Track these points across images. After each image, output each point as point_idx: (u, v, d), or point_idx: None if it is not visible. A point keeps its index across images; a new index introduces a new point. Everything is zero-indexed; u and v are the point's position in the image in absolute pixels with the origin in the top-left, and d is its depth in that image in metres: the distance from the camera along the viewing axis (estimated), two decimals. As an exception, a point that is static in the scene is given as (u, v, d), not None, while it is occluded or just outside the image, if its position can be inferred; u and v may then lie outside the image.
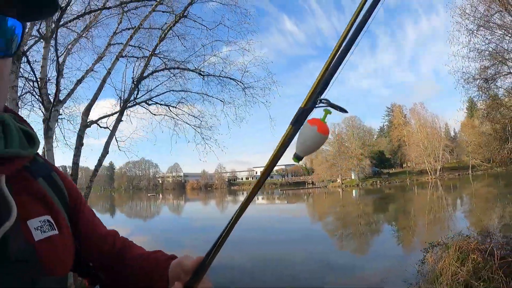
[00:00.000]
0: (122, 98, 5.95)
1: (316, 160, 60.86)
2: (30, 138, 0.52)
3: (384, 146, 63.85)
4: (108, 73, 6.03)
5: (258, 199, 47.75)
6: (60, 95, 5.90)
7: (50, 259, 0.48)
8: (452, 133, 61.67)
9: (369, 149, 56.19)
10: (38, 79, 4.49)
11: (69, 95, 6.08)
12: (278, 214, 24.58)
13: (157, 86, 7.07)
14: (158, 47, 6.56)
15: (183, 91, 7.48)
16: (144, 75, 6.36)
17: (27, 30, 4.29)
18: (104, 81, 5.95)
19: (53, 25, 4.39)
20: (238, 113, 8.02)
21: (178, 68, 7.07)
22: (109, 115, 5.98)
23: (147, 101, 6.61)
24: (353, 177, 57.44)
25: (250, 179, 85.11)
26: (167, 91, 7.25)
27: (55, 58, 5.05)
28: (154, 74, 6.78)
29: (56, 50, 4.92)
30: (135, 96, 6.22)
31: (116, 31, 6.93)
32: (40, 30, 4.76)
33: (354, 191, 46.79)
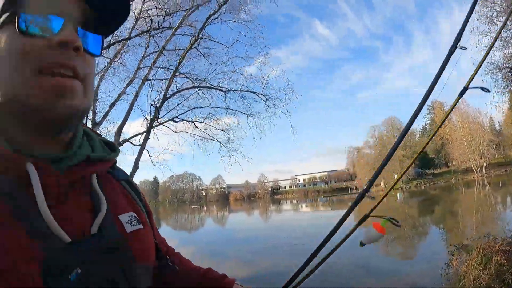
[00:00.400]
0: (148, 119, 6.32)
1: (358, 165, 58.78)
2: (109, 146, 0.60)
3: (427, 146, 60.12)
4: (136, 96, 6.47)
5: (302, 207, 47.13)
6: (96, 118, 6.42)
7: (139, 249, 0.54)
8: (498, 127, 57.24)
9: (411, 150, 53.19)
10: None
11: (104, 117, 6.63)
12: (325, 221, 24.03)
13: (180, 103, 7.43)
14: (181, 67, 6.91)
15: (208, 107, 7.76)
16: (167, 95, 6.70)
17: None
18: (132, 104, 6.38)
19: None
20: (261, 125, 8.20)
21: (199, 87, 7.38)
22: (137, 135, 6.39)
23: (174, 119, 6.94)
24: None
25: (293, 187, 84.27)
26: (193, 108, 7.60)
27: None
28: (180, 92, 7.15)
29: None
30: (157, 117, 6.57)
31: (144, 55, 7.41)
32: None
33: (398, 194, 44.73)
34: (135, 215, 0.58)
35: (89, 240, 0.47)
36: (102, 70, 7.02)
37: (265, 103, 8.34)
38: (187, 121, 7.40)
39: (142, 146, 6.20)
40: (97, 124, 6.54)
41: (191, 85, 7.60)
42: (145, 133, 6.25)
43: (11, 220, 0.41)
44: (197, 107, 7.62)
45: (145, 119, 6.42)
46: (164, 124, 6.82)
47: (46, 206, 0.43)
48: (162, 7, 7.13)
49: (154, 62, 6.63)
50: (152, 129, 6.44)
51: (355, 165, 62.77)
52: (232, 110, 8.06)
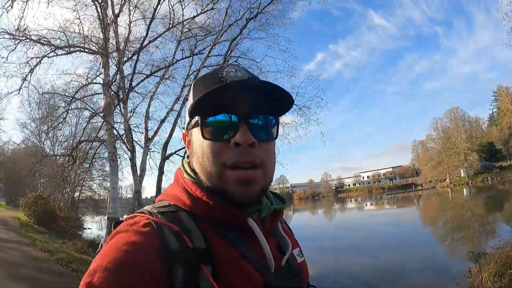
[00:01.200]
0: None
1: (422, 160, 54.37)
2: (279, 198, 0.76)
3: (495, 136, 52.54)
4: (178, 114, 8.05)
5: (366, 205, 45.58)
6: (148, 134, 8.16)
7: (305, 276, 0.73)
8: None
9: (477, 142, 47.16)
10: (122, 134, 6.72)
11: (155, 133, 8.36)
12: (391, 220, 23.33)
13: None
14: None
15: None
16: None
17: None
18: (176, 121, 7.99)
19: (127, 91, 6.55)
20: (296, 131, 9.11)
21: None
22: (181, 149, 7.96)
23: None
24: (462, 175, 49.10)
25: (357, 185, 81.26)
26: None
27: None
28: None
29: (143, 100, 7.16)
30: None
31: (189, 73, 9.03)
32: (118, 94, 7.02)
33: (464, 190, 41.06)
34: (299, 249, 0.75)
35: (284, 271, 0.65)
36: (151, 91, 8.85)
37: (297, 112, 9.25)
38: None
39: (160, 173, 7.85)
40: (149, 139, 8.32)
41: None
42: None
43: (241, 259, 0.59)
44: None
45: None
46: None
47: (269, 250, 0.62)
48: (203, 25, 8.71)
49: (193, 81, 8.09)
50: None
51: (420, 160, 58.12)
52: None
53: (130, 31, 8.09)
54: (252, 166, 0.60)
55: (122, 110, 6.82)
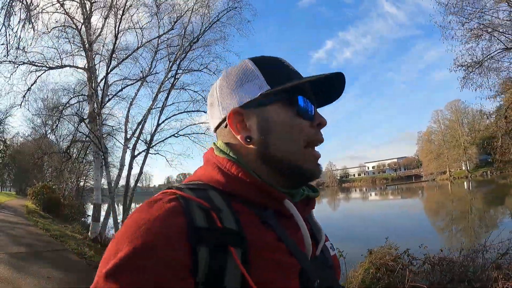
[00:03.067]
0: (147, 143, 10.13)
1: (423, 152, 55.29)
2: (311, 187, 0.73)
3: (496, 129, 52.14)
4: (143, 122, 10.12)
5: (371, 195, 47.06)
6: (127, 135, 10.23)
7: (337, 268, 0.72)
8: None
9: (479, 135, 47.50)
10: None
11: (133, 134, 10.41)
12: (388, 210, 23.98)
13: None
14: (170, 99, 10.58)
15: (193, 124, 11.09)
16: (159, 122, 10.32)
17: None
18: (142, 128, 10.04)
19: (100, 106, 8.59)
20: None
21: (184, 111, 10.81)
22: (139, 153, 10.13)
23: (175, 135, 10.51)
24: (463, 168, 49.86)
25: (362, 175, 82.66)
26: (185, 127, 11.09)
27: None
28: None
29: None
30: (150, 145, 10.27)
31: (159, 90, 11.06)
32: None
33: (465, 183, 41.98)
34: (330, 243, 0.74)
35: (319, 259, 0.64)
36: (130, 97, 10.95)
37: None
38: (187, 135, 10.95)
39: (142, 164, 9.94)
40: (128, 139, 10.41)
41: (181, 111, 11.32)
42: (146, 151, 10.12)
43: (276, 243, 0.55)
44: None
45: (146, 143, 10.19)
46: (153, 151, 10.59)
47: (308, 234, 0.60)
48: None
49: (153, 100, 10.33)
50: (150, 150, 10.28)
51: (421, 152, 59.01)
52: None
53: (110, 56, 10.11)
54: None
55: (98, 121, 8.90)
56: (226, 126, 0.66)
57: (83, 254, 6.55)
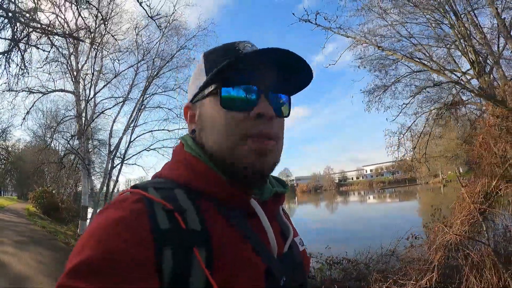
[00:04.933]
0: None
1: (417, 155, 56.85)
2: (280, 182, 0.75)
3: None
4: (120, 138, 12.49)
5: (369, 198, 48.65)
6: (111, 148, 12.60)
7: (306, 264, 0.73)
8: None
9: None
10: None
11: (116, 147, 12.75)
12: (380, 212, 24.91)
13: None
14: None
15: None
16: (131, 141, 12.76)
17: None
18: (118, 144, 12.43)
19: (85, 127, 11.01)
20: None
21: (151, 130, 13.25)
22: (117, 164, 12.46)
23: (147, 149, 13.00)
24: (461, 171, 51.54)
25: (360, 178, 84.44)
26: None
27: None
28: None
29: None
30: (124, 158, 12.69)
31: (134, 110, 13.44)
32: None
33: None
34: (300, 237, 0.75)
35: (286, 257, 0.65)
36: (115, 117, 13.35)
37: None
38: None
39: (117, 177, 12.36)
40: (111, 152, 12.79)
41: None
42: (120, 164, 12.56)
43: (241, 242, 0.57)
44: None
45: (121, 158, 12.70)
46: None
47: (272, 233, 0.61)
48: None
49: (129, 119, 12.90)
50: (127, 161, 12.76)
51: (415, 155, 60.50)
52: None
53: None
54: (269, 138, 0.61)
55: (83, 138, 11.31)
56: None
57: (68, 243, 8.92)
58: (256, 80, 0.61)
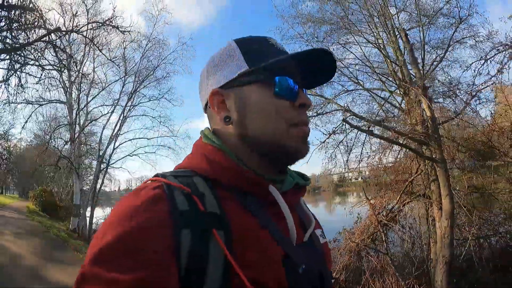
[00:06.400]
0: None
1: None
2: (302, 176, 0.75)
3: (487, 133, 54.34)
4: (106, 148, 14.32)
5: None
6: (100, 152, 14.42)
7: (327, 256, 0.74)
8: None
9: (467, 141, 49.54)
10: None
11: (104, 152, 14.57)
12: None
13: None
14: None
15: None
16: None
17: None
18: (105, 151, 14.26)
19: (76, 135, 12.85)
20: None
21: (134, 138, 15.05)
22: (103, 168, 14.26)
23: (130, 154, 14.91)
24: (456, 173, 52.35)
25: (359, 179, 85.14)
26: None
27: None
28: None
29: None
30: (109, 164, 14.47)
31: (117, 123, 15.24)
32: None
33: None
34: (321, 231, 0.77)
35: (306, 245, 0.66)
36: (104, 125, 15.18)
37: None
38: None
39: (102, 180, 14.26)
40: (100, 156, 14.62)
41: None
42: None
43: (259, 229, 0.58)
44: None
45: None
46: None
47: (292, 220, 0.62)
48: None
49: (114, 128, 14.77)
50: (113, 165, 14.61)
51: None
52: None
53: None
54: (307, 126, 0.68)
55: (73, 145, 13.17)
56: (210, 107, 0.70)
57: (59, 235, 10.79)
58: (296, 75, 0.68)
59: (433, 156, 5.71)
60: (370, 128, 5.85)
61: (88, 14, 13.23)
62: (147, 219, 0.50)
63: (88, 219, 14.22)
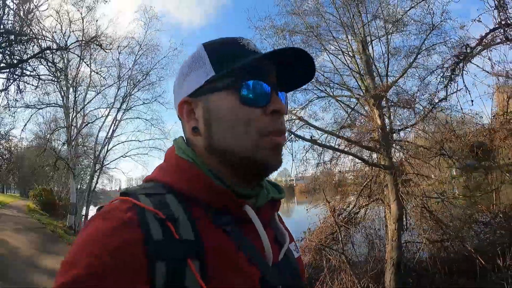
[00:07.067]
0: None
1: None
2: (276, 187, 0.74)
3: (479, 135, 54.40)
4: (99, 155, 15.20)
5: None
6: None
7: (301, 271, 0.73)
8: None
9: (463, 141, 49.75)
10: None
11: (99, 155, 15.45)
12: None
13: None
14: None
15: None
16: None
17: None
18: (99, 155, 15.14)
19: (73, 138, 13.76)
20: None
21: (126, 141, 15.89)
22: (98, 169, 15.11)
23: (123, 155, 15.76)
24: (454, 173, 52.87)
25: (359, 179, 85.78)
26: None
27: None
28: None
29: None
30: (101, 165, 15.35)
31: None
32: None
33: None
34: (295, 244, 0.76)
35: (282, 264, 0.65)
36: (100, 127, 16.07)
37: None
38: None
39: (97, 180, 15.22)
40: (96, 157, 15.51)
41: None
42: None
43: (235, 251, 0.57)
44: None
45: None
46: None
47: (268, 241, 0.61)
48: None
49: (108, 130, 15.61)
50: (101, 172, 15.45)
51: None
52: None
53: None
54: (283, 134, 0.64)
55: (69, 147, 14.06)
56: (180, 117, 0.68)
57: (55, 231, 11.72)
58: (268, 78, 0.63)
59: (382, 163, 6.35)
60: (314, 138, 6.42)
61: (83, 22, 14.20)
62: (119, 248, 0.48)
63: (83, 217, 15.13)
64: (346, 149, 6.97)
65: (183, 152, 0.64)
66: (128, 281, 0.47)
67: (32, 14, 7.03)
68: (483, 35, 5.10)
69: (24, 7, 6.65)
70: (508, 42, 4.92)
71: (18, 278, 5.95)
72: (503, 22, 4.79)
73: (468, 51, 4.51)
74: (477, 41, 4.61)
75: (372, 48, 8.39)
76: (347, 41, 8.33)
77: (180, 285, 0.50)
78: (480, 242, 7.20)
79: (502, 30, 4.90)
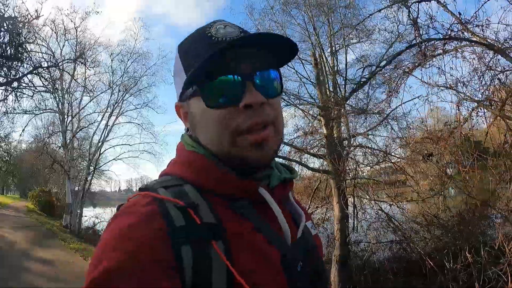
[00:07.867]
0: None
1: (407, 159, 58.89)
2: (288, 168, 0.73)
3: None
4: (94, 155, 16.38)
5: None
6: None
7: (319, 247, 0.75)
8: None
9: (459, 142, 50.02)
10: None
11: (92, 158, 16.59)
12: None
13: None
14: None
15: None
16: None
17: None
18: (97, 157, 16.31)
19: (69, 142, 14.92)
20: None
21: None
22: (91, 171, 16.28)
23: (115, 158, 16.95)
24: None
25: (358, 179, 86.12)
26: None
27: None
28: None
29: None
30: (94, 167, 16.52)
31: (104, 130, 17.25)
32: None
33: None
34: (311, 222, 0.78)
35: (300, 242, 0.66)
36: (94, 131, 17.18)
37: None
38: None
39: (90, 181, 16.42)
40: (90, 160, 16.65)
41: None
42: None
43: (254, 233, 0.59)
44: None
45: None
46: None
47: (285, 220, 0.62)
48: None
49: (101, 135, 16.76)
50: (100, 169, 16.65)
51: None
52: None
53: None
54: (264, 126, 0.60)
55: (65, 151, 15.23)
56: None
57: (51, 229, 12.92)
58: (239, 67, 0.59)
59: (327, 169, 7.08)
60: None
61: (76, 32, 15.34)
62: (144, 239, 0.50)
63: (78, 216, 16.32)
64: (294, 158, 7.74)
65: (191, 146, 0.66)
66: (157, 271, 0.48)
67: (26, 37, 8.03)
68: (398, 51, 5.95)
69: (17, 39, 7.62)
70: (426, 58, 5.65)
71: (14, 265, 7.07)
72: (419, 40, 5.65)
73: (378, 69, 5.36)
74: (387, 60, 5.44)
75: (336, 58, 9.25)
76: (312, 50, 9.07)
77: (208, 266, 0.52)
78: (434, 245, 7.45)
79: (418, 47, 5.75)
